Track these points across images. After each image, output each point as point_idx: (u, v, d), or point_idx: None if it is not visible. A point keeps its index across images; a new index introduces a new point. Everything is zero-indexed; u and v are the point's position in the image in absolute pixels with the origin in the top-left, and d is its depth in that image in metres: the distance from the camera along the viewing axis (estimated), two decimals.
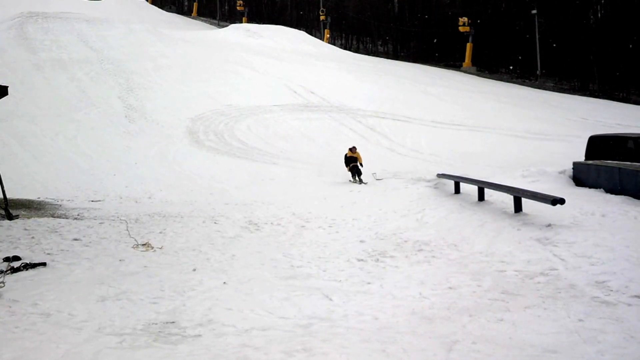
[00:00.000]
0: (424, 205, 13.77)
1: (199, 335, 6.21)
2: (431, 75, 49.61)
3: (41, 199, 17.19)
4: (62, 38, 39.49)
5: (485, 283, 7.71)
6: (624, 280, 7.15)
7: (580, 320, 6.16)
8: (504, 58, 58.59)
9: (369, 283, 8.12)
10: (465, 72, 56.69)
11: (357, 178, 20.33)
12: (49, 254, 9.75)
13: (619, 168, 12.36)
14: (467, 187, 14.43)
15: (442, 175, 17.07)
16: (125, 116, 29.39)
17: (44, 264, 8.99)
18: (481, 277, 7.96)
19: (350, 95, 36.06)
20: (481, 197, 13.24)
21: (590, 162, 14.39)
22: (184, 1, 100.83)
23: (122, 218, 13.59)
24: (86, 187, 19.70)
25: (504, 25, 58.54)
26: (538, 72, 54.52)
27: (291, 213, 14.32)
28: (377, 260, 9.40)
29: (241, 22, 75.34)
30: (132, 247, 10.45)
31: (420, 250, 9.82)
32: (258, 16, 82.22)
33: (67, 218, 13.63)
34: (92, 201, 17.36)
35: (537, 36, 53.58)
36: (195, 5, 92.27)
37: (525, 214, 11.05)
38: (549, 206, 10.32)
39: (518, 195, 11.39)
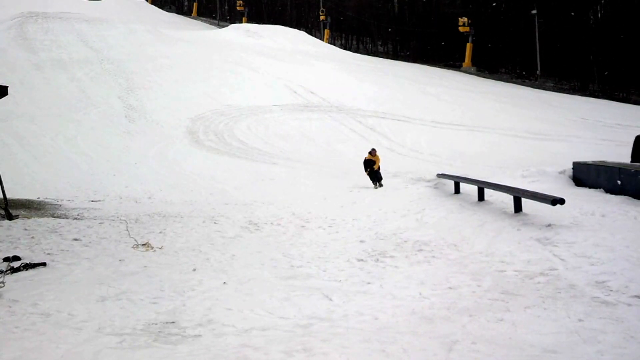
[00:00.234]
0: (424, 205, 13.76)
1: (199, 335, 6.20)
2: (431, 75, 49.60)
3: (41, 199, 17.20)
4: (62, 38, 39.56)
5: (485, 283, 7.71)
6: (624, 280, 7.14)
7: (580, 320, 6.15)
8: (503, 58, 58.63)
9: (369, 283, 8.11)
10: (465, 72, 56.71)
11: (377, 183, 19.07)
12: (48, 254, 9.74)
13: (619, 168, 12.35)
14: (467, 187, 14.42)
15: (442, 175, 17.06)
16: (125, 116, 29.42)
17: (43, 264, 8.99)
18: (481, 277, 7.95)
19: (350, 96, 36.07)
20: (481, 197, 13.22)
21: (590, 162, 14.37)
22: (184, 1, 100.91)
23: (122, 218, 13.59)
24: (86, 187, 19.72)
25: (504, 25, 58.58)
26: (538, 72, 54.52)
27: (291, 213, 14.32)
28: (377, 260, 9.40)
29: (241, 22, 75.39)
30: (132, 247, 10.45)
31: (420, 250, 9.81)
32: (258, 16, 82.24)
33: (67, 218, 13.64)
34: (92, 201, 17.37)
35: (537, 36, 53.58)
36: (195, 5, 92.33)
37: (525, 214, 11.04)
38: (549, 206, 10.31)
39: (518, 195, 11.38)
